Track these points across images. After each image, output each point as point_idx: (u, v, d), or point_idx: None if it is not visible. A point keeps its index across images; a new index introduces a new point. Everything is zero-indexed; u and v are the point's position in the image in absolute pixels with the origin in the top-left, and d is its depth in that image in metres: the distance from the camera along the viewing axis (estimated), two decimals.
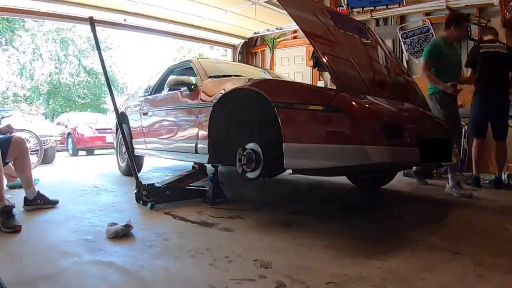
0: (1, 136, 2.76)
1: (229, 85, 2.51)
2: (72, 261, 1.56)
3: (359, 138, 1.79)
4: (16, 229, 2.01)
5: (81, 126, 9.11)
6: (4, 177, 2.47)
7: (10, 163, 2.60)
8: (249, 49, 7.90)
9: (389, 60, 2.92)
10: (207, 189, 2.72)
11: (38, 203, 2.50)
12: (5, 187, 2.54)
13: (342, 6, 5.99)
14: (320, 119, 1.88)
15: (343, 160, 1.81)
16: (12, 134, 2.66)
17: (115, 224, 1.96)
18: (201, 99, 2.77)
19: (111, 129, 8.20)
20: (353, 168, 1.89)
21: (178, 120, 3.21)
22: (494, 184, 3.43)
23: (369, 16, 5.82)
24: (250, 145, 2.28)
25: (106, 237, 1.87)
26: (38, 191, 2.55)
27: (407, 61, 5.60)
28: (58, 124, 10.39)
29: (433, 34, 5.27)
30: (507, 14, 4.29)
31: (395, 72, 2.87)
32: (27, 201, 2.50)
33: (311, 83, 6.50)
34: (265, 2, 5.67)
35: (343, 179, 3.56)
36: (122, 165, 4.34)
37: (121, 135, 2.91)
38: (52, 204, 2.58)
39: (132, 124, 4.15)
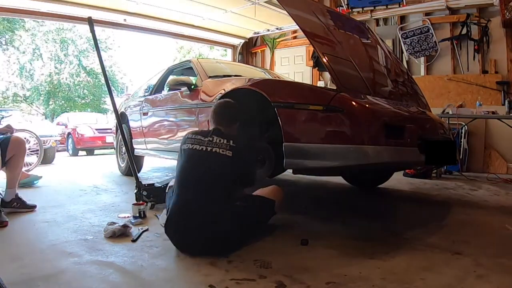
0: (1, 136, 2.75)
1: (229, 85, 2.51)
2: (72, 261, 1.56)
3: (359, 138, 1.79)
4: (3, 225, 2.04)
5: (81, 126, 9.12)
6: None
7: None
8: (249, 49, 7.90)
9: (389, 60, 2.92)
10: None
11: (15, 205, 2.42)
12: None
13: (342, 6, 5.99)
14: (320, 119, 1.88)
15: (343, 160, 1.81)
16: (12, 134, 2.64)
17: (114, 223, 1.96)
18: (201, 99, 2.77)
19: (111, 129, 8.22)
20: (353, 168, 1.90)
21: (178, 120, 3.21)
22: None
23: (369, 16, 5.83)
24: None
25: (103, 236, 1.87)
26: (17, 194, 2.47)
27: (407, 61, 5.61)
28: (58, 124, 10.40)
29: (433, 34, 5.28)
30: (507, 14, 4.30)
31: (395, 72, 2.87)
32: (3, 203, 2.41)
33: (311, 83, 6.51)
34: (265, 2, 5.68)
35: (342, 179, 3.56)
36: (122, 165, 4.34)
37: (121, 136, 2.90)
38: (29, 208, 2.48)
39: (132, 124, 4.15)
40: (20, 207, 2.45)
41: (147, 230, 1.99)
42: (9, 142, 2.44)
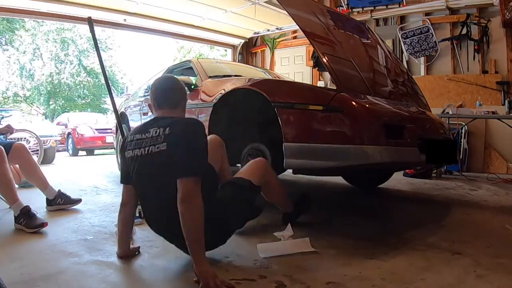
0: (3, 138, 2.73)
1: (229, 85, 2.51)
2: (72, 261, 1.56)
3: (359, 138, 1.79)
4: (43, 226, 1.99)
5: (81, 126, 9.13)
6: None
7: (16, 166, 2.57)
8: (249, 49, 7.90)
9: (389, 60, 2.92)
10: None
11: (59, 202, 2.46)
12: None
13: (342, 6, 5.99)
14: (320, 119, 1.88)
15: (343, 160, 1.81)
16: (13, 138, 2.61)
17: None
18: (201, 99, 2.77)
19: (111, 129, 8.23)
20: (353, 168, 1.90)
21: None
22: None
23: (369, 16, 5.83)
24: (256, 145, 2.29)
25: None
26: (59, 190, 2.51)
27: (407, 61, 5.61)
28: (58, 124, 10.41)
29: (433, 34, 5.28)
30: (507, 14, 4.30)
31: (395, 72, 2.87)
32: (48, 201, 2.47)
33: (311, 83, 6.51)
34: (265, 2, 5.68)
35: (342, 179, 3.56)
36: None
37: (121, 136, 2.90)
38: (75, 202, 2.52)
39: (132, 124, 4.15)
40: (65, 202, 2.48)
41: None
42: (10, 148, 2.38)
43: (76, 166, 5.96)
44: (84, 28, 15.66)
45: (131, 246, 1.68)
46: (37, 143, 4.96)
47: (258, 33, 7.43)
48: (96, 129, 9.05)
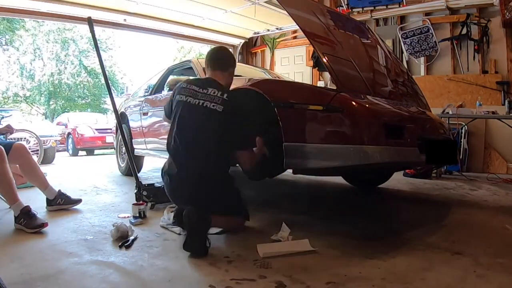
0: (3, 138, 2.73)
1: None
2: (72, 261, 1.56)
3: (359, 138, 1.79)
4: (43, 226, 1.98)
5: (81, 126, 9.13)
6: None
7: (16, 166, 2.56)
8: (249, 49, 7.90)
9: (389, 60, 2.92)
10: None
11: (59, 202, 2.47)
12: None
13: (342, 6, 5.99)
14: (320, 119, 1.88)
15: (343, 160, 1.81)
16: (13, 138, 2.60)
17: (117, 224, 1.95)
18: None
19: (111, 129, 8.23)
20: (353, 168, 1.89)
21: None
22: None
23: (369, 16, 5.83)
24: None
25: (112, 240, 1.84)
26: (59, 190, 2.51)
27: (407, 61, 5.60)
28: (58, 124, 10.42)
29: (433, 34, 5.28)
30: (507, 14, 4.29)
31: (395, 72, 2.87)
32: (48, 201, 2.48)
33: (311, 83, 6.51)
34: (265, 2, 5.67)
35: (342, 179, 3.56)
36: (122, 165, 4.34)
37: (121, 136, 2.91)
38: (75, 202, 2.53)
39: (132, 124, 4.15)
40: (65, 203, 2.48)
41: (135, 239, 1.86)
42: (10, 148, 2.37)
43: (76, 166, 5.96)
44: (85, 28, 15.64)
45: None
46: (37, 143, 4.96)
47: (258, 33, 7.42)
48: (96, 129, 9.06)
